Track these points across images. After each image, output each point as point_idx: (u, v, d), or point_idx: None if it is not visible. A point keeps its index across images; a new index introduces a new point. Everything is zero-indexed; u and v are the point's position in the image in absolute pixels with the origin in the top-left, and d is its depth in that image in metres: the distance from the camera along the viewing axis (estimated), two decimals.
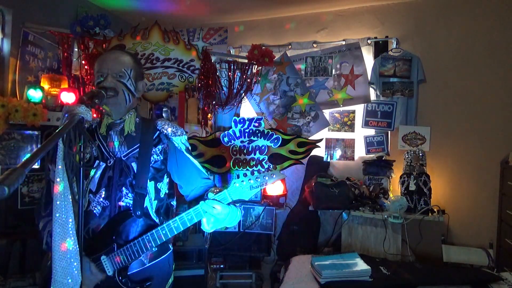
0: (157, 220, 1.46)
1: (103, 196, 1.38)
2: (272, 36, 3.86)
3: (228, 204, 1.33)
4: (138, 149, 1.44)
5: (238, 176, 1.39)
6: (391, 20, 3.49)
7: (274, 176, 1.33)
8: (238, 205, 1.38)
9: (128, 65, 1.44)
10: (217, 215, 1.32)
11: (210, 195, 1.36)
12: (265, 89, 3.76)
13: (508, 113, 3.03)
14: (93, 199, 1.38)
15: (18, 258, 2.69)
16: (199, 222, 1.39)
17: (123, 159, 1.42)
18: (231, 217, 1.35)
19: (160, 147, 1.49)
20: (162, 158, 1.48)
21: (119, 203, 1.39)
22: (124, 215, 1.39)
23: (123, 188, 1.40)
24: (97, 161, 1.40)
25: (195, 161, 1.54)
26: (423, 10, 3.37)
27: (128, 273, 1.38)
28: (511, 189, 2.72)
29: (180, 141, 1.51)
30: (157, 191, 1.47)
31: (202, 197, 1.45)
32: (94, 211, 1.38)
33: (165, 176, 1.51)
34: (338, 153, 3.58)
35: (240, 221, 3.13)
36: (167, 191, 1.53)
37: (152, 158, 1.45)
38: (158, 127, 1.51)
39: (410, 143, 3.24)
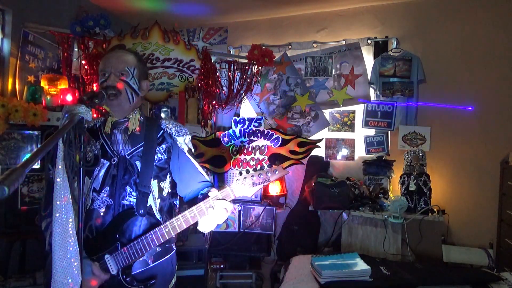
0: (160, 219, 1.46)
1: (107, 194, 1.38)
2: (272, 36, 3.86)
3: (231, 201, 1.34)
4: (142, 148, 1.44)
5: (240, 173, 1.38)
6: (391, 20, 3.49)
7: (277, 172, 1.32)
8: (230, 201, 1.38)
9: (131, 64, 1.44)
10: (219, 212, 1.32)
11: (212, 193, 1.37)
12: (265, 89, 3.75)
13: (508, 113, 3.03)
14: (97, 198, 1.38)
15: (18, 258, 2.69)
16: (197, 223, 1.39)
17: (127, 157, 1.42)
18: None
19: (164, 146, 1.49)
20: (165, 157, 1.49)
21: (122, 201, 1.39)
22: (128, 214, 1.39)
23: (127, 186, 1.40)
24: (101, 160, 1.40)
25: (196, 164, 1.54)
26: (423, 10, 3.37)
27: (132, 273, 1.38)
28: (511, 189, 2.72)
29: (184, 141, 1.51)
30: (160, 190, 1.48)
31: (198, 197, 1.47)
32: (98, 210, 1.38)
33: (168, 175, 1.52)
34: (338, 153, 3.58)
35: (240, 221, 3.14)
36: (169, 190, 1.54)
37: (156, 157, 1.45)
38: (162, 126, 1.51)
39: (410, 143, 3.24)
